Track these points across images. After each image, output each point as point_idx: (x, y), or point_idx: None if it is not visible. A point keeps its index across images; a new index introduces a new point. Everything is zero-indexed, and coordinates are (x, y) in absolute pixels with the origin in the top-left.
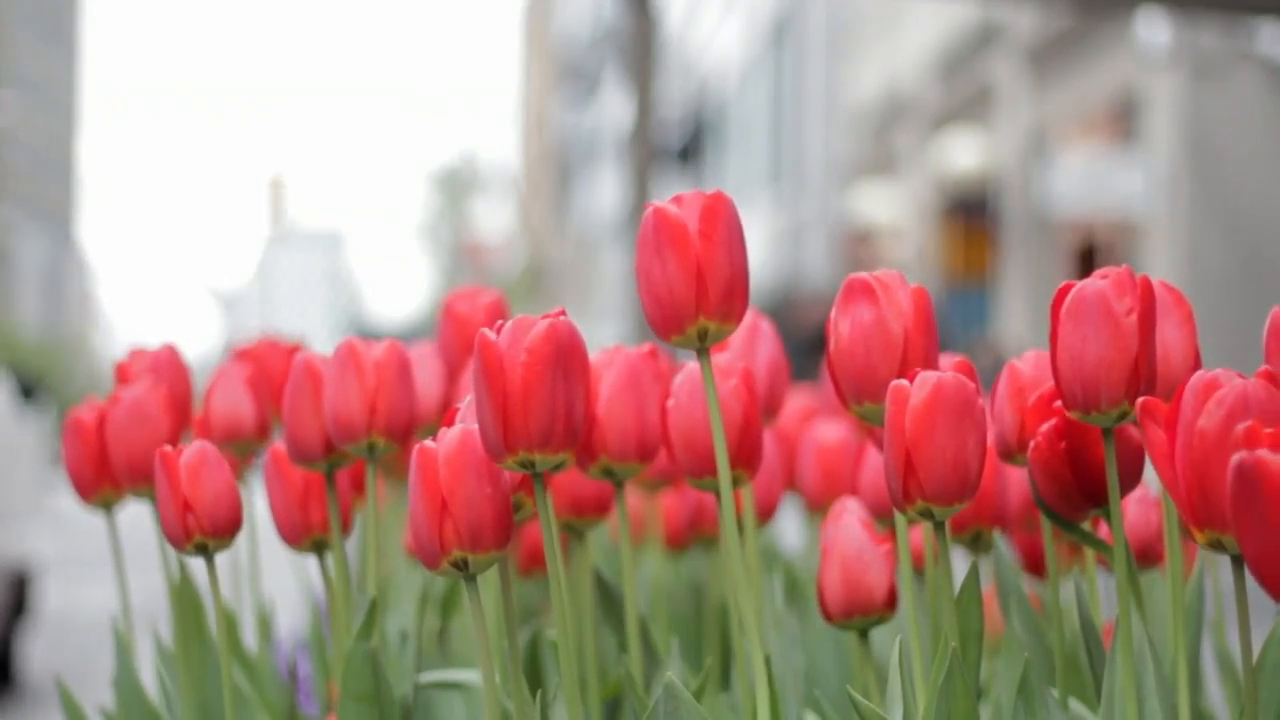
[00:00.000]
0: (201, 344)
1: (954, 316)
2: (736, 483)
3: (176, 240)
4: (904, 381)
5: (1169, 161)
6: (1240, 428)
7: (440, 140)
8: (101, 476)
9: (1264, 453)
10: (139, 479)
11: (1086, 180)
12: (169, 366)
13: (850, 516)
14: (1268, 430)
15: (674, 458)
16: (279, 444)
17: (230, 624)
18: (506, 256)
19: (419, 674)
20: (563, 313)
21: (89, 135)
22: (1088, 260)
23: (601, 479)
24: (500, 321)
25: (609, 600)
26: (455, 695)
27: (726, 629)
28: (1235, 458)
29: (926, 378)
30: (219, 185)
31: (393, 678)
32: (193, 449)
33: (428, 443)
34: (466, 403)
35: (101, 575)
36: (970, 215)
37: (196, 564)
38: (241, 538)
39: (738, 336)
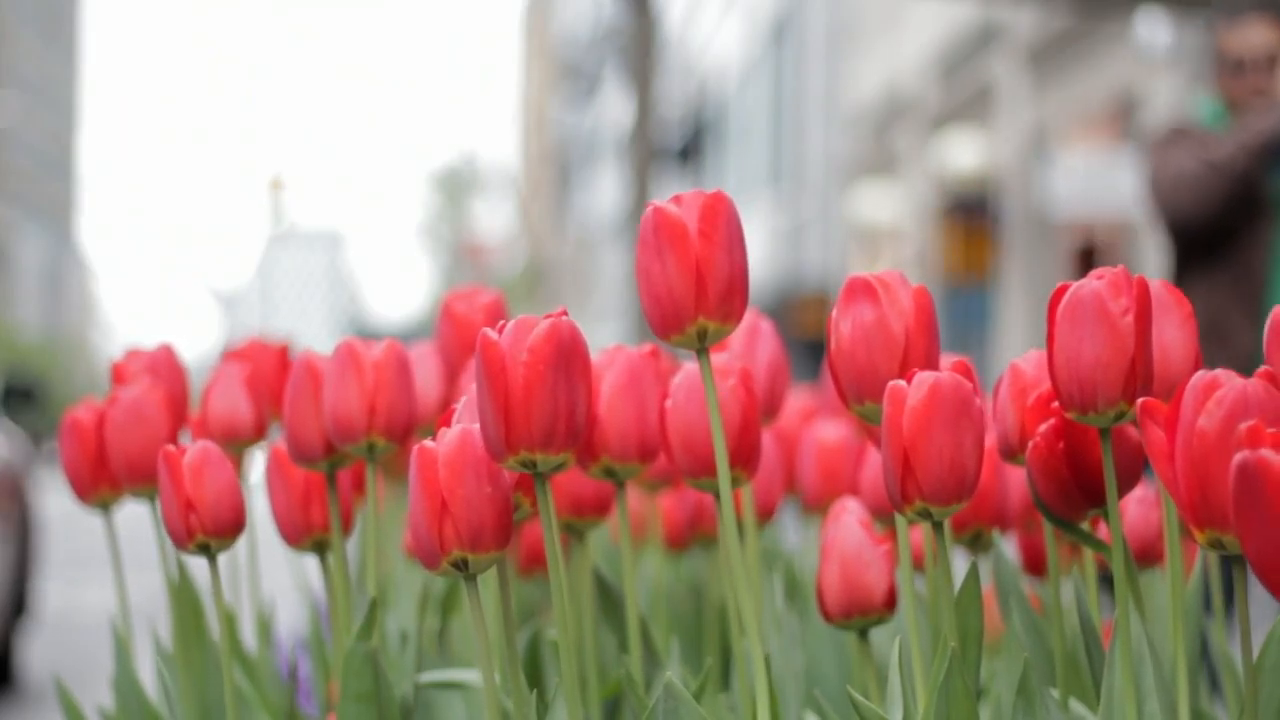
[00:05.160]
0: (201, 344)
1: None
2: (736, 483)
3: (176, 240)
4: (901, 382)
5: None
6: (1243, 427)
7: (440, 140)
8: (99, 477)
9: (1266, 452)
10: (137, 479)
11: (1086, 180)
12: (166, 367)
13: (850, 516)
14: (1270, 430)
15: (672, 458)
16: (280, 444)
17: (230, 624)
18: (506, 256)
19: (419, 674)
20: (564, 313)
21: (89, 135)
22: (1088, 260)
23: (603, 479)
24: (501, 322)
25: (609, 600)
26: (455, 695)
27: (726, 629)
28: (1238, 457)
29: (924, 378)
30: (219, 185)
31: (393, 678)
32: (195, 448)
33: (427, 443)
34: (463, 402)
35: (101, 575)
36: (970, 215)
37: (195, 564)
38: (241, 537)
39: (737, 337)
